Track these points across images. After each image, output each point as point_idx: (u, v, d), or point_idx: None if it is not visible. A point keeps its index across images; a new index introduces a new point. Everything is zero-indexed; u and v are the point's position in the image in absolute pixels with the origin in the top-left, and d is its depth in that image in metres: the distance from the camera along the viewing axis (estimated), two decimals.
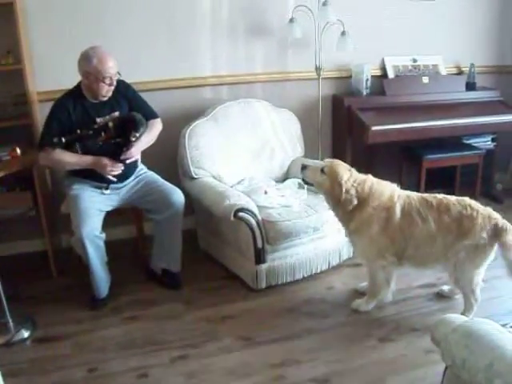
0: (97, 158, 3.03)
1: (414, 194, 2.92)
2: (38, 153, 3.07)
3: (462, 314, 2.81)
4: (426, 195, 2.91)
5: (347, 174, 2.87)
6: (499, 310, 2.95)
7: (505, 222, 2.77)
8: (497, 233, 2.73)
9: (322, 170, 2.91)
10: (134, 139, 3.08)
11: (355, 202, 2.84)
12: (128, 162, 3.11)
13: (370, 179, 2.91)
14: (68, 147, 3.01)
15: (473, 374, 1.59)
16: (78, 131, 3.00)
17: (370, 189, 2.86)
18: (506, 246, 2.72)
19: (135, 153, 3.14)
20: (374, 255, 2.94)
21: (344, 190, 2.82)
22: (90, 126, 3.04)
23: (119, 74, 3.04)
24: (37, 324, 2.98)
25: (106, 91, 3.03)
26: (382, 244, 2.88)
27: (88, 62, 2.93)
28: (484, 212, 2.77)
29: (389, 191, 2.89)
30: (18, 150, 3.29)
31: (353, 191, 2.83)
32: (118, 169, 3.07)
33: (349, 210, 2.86)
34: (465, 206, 2.78)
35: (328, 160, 3.03)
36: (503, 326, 1.88)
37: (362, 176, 2.92)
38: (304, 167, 3.02)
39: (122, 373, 2.59)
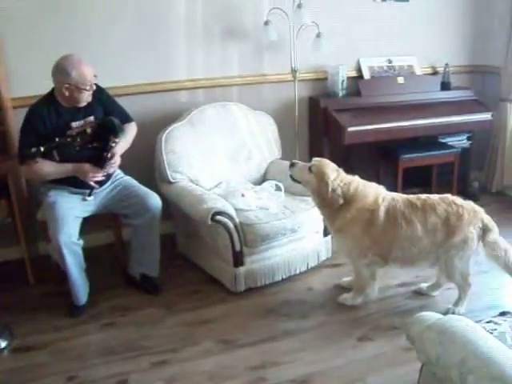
0: (78, 164, 3.01)
1: (399, 197, 2.94)
2: (19, 166, 3.05)
3: (455, 304, 2.96)
4: (410, 197, 2.93)
5: (334, 173, 2.90)
6: (475, 306, 2.98)
7: (489, 219, 2.86)
8: (482, 232, 2.82)
9: (310, 169, 2.93)
10: (114, 145, 3.07)
11: (341, 201, 2.86)
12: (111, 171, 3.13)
13: (356, 180, 2.95)
14: (46, 155, 2.97)
15: (446, 370, 1.61)
16: (57, 139, 2.98)
17: (355, 190, 2.89)
18: (489, 245, 2.83)
19: (118, 161, 3.13)
20: (356, 254, 2.99)
21: (330, 189, 2.85)
22: (66, 132, 3.02)
23: (95, 76, 3.00)
24: (14, 333, 2.94)
25: (87, 96, 3.01)
26: (364, 244, 2.92)
27: (66, 75, 2.87)
28: (468, 206, 2.83)
29: (374, 193, 2.91)
30: None
31: (339, 191, 2.86)
32: (100, 175, 3.05)
33: (334, 208, 2.89)
34: (449, 203, 2.83)
35: (316, 159, 3.04)
36: (478, 322, 1.91)
37: (348, 177, 2.95)
38: (292, 164, 3.05)
39: (101, 380, 2.58)
